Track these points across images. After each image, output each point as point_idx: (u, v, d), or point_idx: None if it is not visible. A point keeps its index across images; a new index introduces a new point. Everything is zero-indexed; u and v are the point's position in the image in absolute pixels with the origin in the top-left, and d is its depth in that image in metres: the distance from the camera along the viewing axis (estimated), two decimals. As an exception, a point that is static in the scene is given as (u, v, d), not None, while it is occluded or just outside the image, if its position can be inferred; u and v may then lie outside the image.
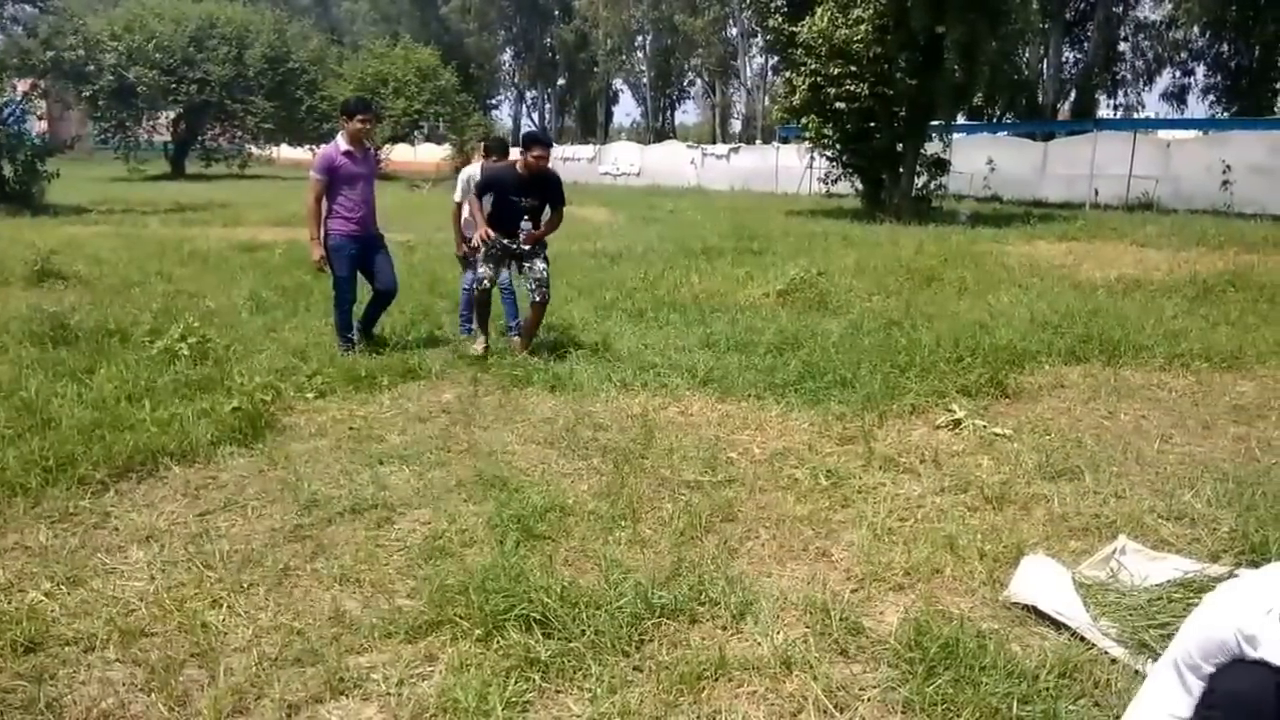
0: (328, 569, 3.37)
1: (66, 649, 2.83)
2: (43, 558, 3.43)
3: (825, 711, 2.56)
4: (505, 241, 6.41)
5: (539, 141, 6.48)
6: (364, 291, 6.91)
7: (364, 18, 63.99)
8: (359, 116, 6.52)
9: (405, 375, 6.03)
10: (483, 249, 6.44)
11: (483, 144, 8.20)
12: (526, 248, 6.45)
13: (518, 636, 2.83)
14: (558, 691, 2.65)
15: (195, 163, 39.33)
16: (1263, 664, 1.87)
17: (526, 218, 6.40)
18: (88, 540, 3.60)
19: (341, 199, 6.49)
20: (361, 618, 3.03)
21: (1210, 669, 1.97)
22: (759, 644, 2.86)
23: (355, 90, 38.76)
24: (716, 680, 2.68)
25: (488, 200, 6.49)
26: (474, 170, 7.41)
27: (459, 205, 7.45)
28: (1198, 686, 1.99)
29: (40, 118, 36.00)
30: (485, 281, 6.51)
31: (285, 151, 45.36)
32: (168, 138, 39.55)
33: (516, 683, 2.63)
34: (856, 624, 2.97)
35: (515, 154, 6.67)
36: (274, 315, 8.02)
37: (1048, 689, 2.59)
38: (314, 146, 40.82)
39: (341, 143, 6.51)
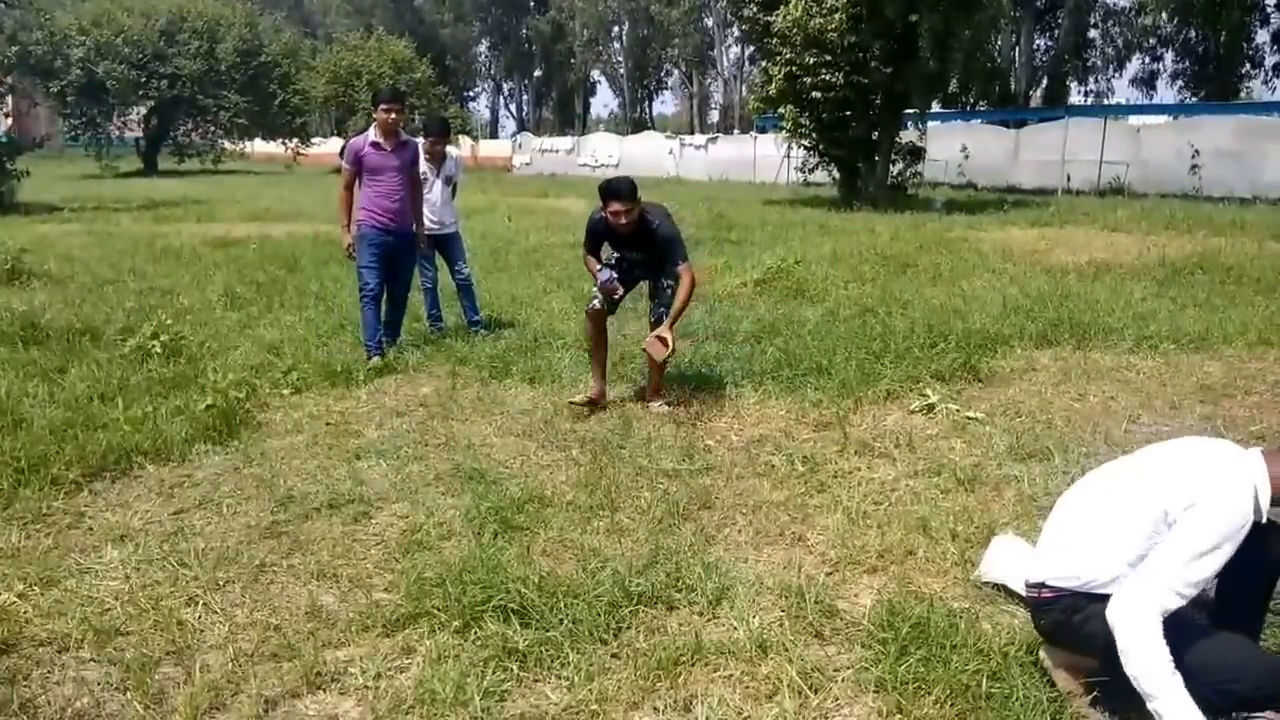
0: (304, 565, 3.37)
1: (40, 649, 2.82)
2: (15, 559, 3.41)
3: (800, 693, 2.59)
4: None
5: (611, 194, 5.17)
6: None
7: (337, 10, 63.44)
8: (383, 106, 6.36)
9: (382, 370, 6.00)
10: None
11: (423, 127, 7.75)
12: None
13: (495, 627, 2.85)
14: (535, 680, 2.67)
15: (168, 159, 38.84)
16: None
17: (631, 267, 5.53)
18: (61, 540, 3.58)
19: (367, 189, 6.36)
20: (338, 612, 3.04)
21: None
22: (735, 628, 2.89)
23: (328, 83, 38.44)
24: (693, 665, 2.71)
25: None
26: None
27: None
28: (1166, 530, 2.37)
29: (7, 115, 35.49)
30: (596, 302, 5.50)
31: (259, 146, 44.88)
32: (139, 134, 39.01)
33: (494, 673, 2.65)
34: (831, 606, 3.01)
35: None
36: (248, 311, 7.97)
37: (1017, 666, 2.64)
38: (286, 140, 40.54)
39: (372, 133, 6.40)
